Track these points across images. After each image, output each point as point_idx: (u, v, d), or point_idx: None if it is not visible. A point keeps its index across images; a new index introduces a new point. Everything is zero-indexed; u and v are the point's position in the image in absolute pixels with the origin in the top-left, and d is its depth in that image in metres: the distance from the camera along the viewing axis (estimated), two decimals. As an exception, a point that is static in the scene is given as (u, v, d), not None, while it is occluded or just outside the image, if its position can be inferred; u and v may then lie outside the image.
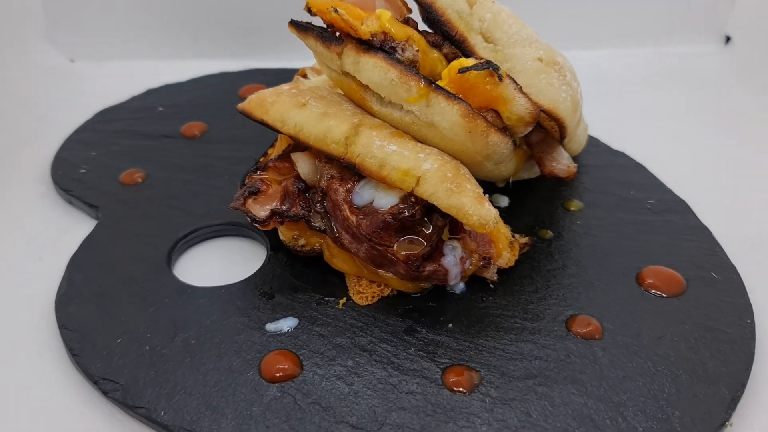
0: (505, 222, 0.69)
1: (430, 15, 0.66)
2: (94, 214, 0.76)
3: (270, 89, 0.68)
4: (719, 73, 1.06)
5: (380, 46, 0.61)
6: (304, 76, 0.79)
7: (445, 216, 0.59)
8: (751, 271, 0.67)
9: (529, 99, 0.62)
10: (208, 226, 0.73)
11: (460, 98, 0.59)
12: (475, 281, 0.65)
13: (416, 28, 0.64)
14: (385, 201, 0.59)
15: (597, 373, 0.57)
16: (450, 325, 0.61)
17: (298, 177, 0.64)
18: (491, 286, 0.65)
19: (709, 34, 1.12)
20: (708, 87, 1.03)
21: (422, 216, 0.59)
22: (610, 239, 0.70)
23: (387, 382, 0.56)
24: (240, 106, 0.70)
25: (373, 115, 0.64)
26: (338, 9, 0.60)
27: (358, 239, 0.60)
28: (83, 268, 0.68)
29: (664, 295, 0.64)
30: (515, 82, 0.61)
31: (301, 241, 0.66)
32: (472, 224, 0.57)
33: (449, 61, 0.65)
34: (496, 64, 0.60)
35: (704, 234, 0.71)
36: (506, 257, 0.66)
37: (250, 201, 0.65)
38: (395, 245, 0.59)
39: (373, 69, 0.60)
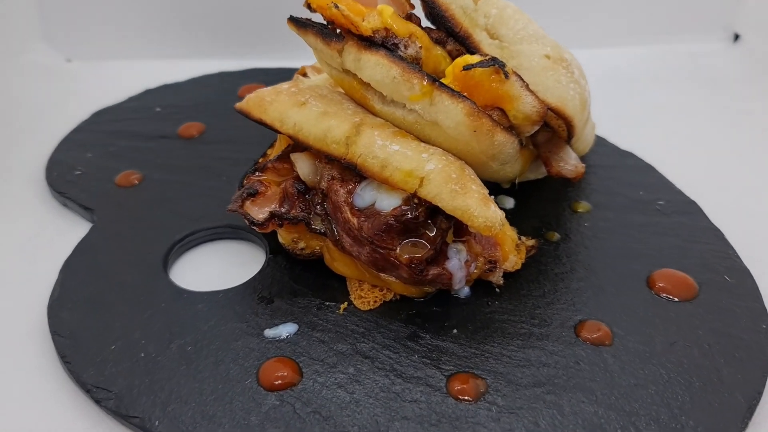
0: (511, 224, 0.68)
1: (433, 11, 0.65)
2: (89, 217, 0.75)
3: (269, 88, 0.68)
4: (728, 71, 1.06)
5: (382, 42, 0.60)
6: (305, 74, 0.78)
7: (450, 218, 0.58)
8: (766, 274, 0.66)
9: (536, 97, 0.61)
10: (206, 229, 0.72)
11: (464, 96, 0.58)
12: (480, 285, 0.64)
13: (419, 25, 0.64)
14: (388, 203, 0.58)
15: (607, 381, 0.56)
16: (455, 330, 0.61)
17: (297, 178, 0.64)
18: (497, 290, 0.64)
19: (717, 31, 1.12)
20: (717, 85, 1.03)
21: (426, 218, 0.58)
22: (619, 242, 0.70)
23: (390, 390, 0.55)
24: (238, 105, 0.69)
25: (374, 114, 0.63)
26: (339, 5, 0.60)
27: (360, 242, 0.59)
28: (77, 272, 0.67)
29: (676, 300, 0.63)
30: (522, 80, 0.60)
31: (301, 244, 0.66)
32: (477, 226, 0.56)
33: (453, 58, 0.64)
34: (501, 61, 0.59)
35: (716, 236, 0.70)
36: (512, 260, 0.65)
37: (248, 203, 0.64)
38: (398, 248, 0.58)
39: (374, 67, 0.60)
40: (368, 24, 0.60)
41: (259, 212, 0.64)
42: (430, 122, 0.60)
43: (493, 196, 0.59)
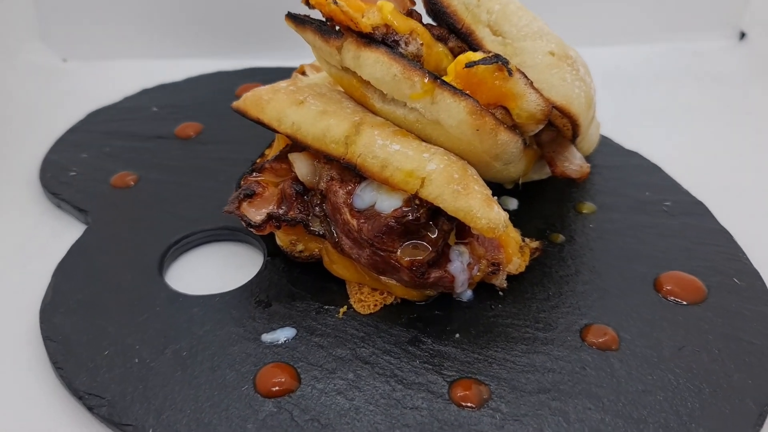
0: (515, 225, 0.68)
1: (434, 7, 0.65)
2: (83, 219, 0.75)
3: (266, 86, 0.68)
4: (735, 70, 1.06)
5: (382, 39, 0.60)
6: (303, 73, 0.79)
7: (452, 219, 0.58)
8: (776, 277, 0.65)
9: (541, 95, 0.61)
10: (202, 231, 0.72)
11: (467, 94, 0.58)
12: (483, 288, 0.64)
13: (420, 21, 0.63)
14: (388, 204, 0.58)
15: (614, 387, 0.55)
16: (457, 335, 0.60)
17: (295, 179, 0.64)
18: (500, 293, 0.64)
19: (723, 29, 1.12)
20: (723, 84, 1.03)
21: (427, 219, 0.58)
22: (626, 243, 0.69)
23: (390, 396, 0.55)
24: (235, 104, 0.69)
25: (374, 113, 0.63)
26: (337, 1, 0.60)
27: (360, 244, 0.59)
28: (70, 275, 0.66)
29: (684, 303, 0.63)
30: (526, 77, 0.60)
31: (300, 247, 0.66)
32: (480, 228, 0.56)
33: (455, 55, 0.64)
34: (505, 58, 0.58)
35: (725, 237, 0.70)
36: (516, 263, 0.65)
37: (245, 204, 0.64)
38: (399, 251, 0.58)
39: (374, 64, 0.59)
40: (368, 20, 0.59)
41: (256, 214, 0.63)
42: (432, 121, 0.59)
43: (496, 197, 0.59)
